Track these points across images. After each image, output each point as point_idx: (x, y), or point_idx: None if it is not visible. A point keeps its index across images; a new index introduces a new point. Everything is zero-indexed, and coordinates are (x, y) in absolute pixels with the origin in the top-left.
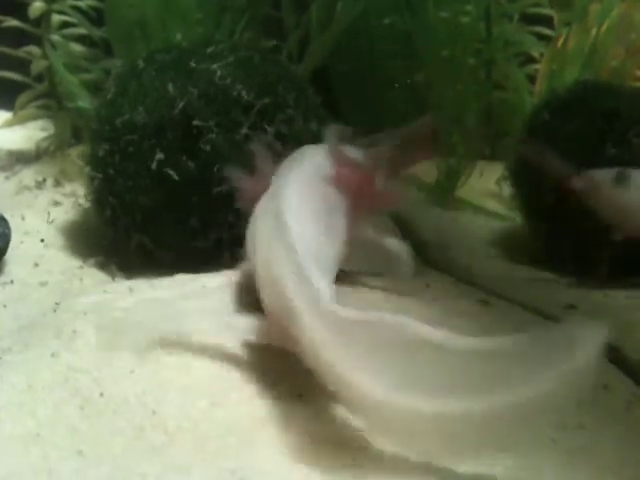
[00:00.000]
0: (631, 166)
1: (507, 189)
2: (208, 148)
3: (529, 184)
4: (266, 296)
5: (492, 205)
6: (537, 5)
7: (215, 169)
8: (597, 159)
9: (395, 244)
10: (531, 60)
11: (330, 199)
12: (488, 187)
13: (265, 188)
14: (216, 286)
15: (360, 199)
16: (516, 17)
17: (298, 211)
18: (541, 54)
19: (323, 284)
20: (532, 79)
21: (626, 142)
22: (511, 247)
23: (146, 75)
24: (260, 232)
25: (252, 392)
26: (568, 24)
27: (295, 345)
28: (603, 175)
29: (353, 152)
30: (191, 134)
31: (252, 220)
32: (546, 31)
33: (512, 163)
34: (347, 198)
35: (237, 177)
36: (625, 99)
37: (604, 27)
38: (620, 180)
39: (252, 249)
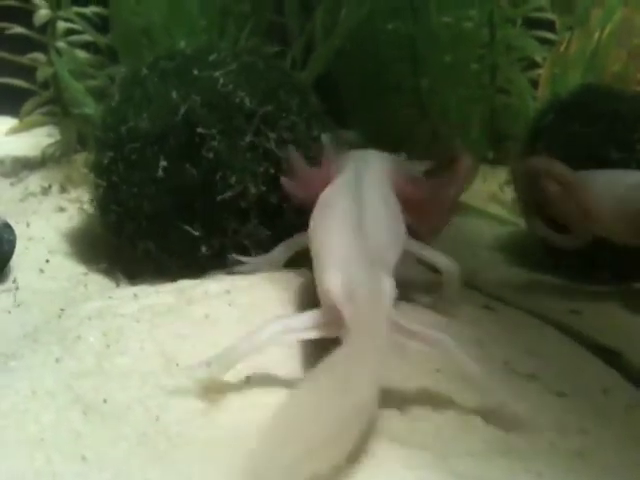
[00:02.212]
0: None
1: (510, 193)
2: (211, 155)
3: (531, 188)
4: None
5: (496, 210)
6: (540, 10)
7: (218, 176)
8: (599, 163)
9: (442, 260)
10: (535, 65)
11: (393, 204)
12: (492, 191)
13: (326, 180)
14: (218, 292)
15: (414, 210)
16: (519, 22)
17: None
18: (544, 58)
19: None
20: (536, 84)
21: (628, 146)
22: (515, 252)
23: (150, 82)
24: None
25: (255, 398)
26: (570, 28)
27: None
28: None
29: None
30: (194, 141)
31: (320, 207)
32: (549, 35)
33: (515, 167)
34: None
35: (299, 164)
36: (627, 103)
37: (606, 31)
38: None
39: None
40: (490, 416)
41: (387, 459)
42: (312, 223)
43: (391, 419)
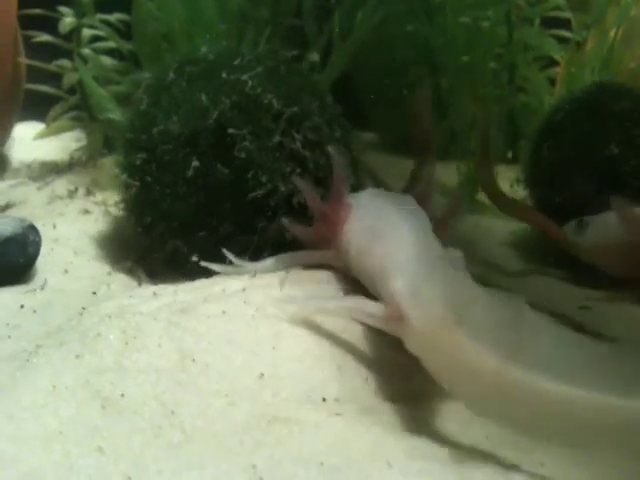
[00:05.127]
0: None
1: (521, 191)
2: (243, 155)
3: (542, 186)
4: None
5: None
6: (557, 8)
7: (250, 175)
8: (608, 159)
9: None
10: (553, 63)
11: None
12: (509, 190)
13: (340, 215)
14: (235, 290)
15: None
16: (537, 21)
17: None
18: (562, 57)
19: None
20: (554, 82)
21: (636, 144)
22: (527, 248)
23: (176, 86)
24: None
25: (269, 394)
26: (587, 27)
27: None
28: (567, 226)
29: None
30: (225, 142)
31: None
32: (566, 34)
33: (527, 166)
34: None
35: (316, 203)
36: (638, 101)
37: (622, 30)
38: (580, 227)
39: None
40: None
41: (393, 449)
42: (354, 249)
43: (398, 412)
